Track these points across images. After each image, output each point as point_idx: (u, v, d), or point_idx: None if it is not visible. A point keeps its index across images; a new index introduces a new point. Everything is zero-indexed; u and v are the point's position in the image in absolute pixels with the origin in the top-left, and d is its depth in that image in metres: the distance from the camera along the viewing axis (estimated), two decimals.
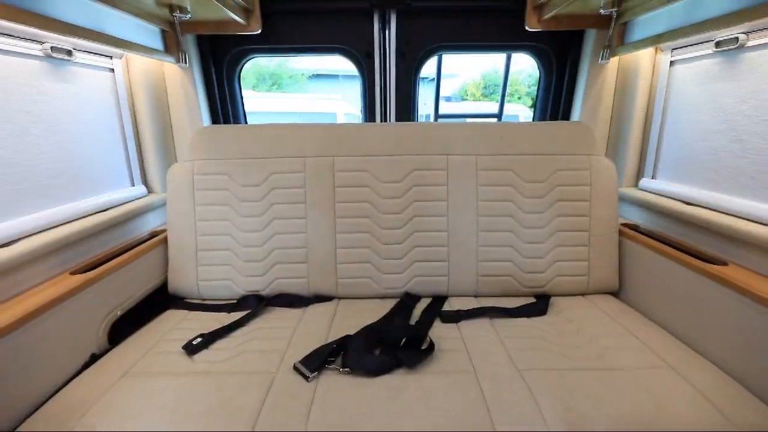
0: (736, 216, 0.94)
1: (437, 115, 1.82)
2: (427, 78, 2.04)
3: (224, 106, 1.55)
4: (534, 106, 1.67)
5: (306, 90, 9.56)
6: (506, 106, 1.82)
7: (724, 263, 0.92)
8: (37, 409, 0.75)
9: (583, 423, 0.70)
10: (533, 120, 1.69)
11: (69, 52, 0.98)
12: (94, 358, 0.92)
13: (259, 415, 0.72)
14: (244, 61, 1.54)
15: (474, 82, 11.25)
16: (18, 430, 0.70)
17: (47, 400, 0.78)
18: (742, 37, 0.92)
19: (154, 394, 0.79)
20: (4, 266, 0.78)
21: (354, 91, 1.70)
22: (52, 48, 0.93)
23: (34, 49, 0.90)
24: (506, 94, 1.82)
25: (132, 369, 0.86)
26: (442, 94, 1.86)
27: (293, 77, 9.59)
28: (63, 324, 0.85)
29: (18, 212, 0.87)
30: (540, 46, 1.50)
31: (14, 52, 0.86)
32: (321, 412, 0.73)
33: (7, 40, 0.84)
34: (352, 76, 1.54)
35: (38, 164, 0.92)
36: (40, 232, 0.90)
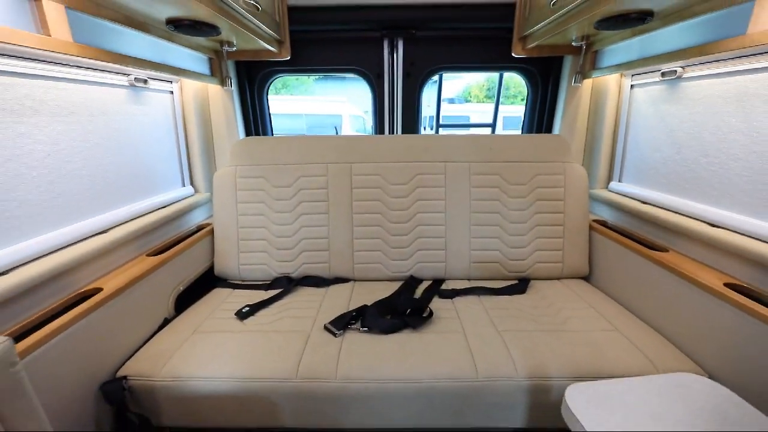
0: (677, 213, 1.17)
1: (438, 125, 2.06)
2: (430, 80, 2.27)
3: (255, 119, 1.80)
4: (523, 119, 1.91)
5: (313, 92, 9.84)
6: (509, 107, 2.06)
7: (665, 250, 1.16)
8: (130, 357, 1.01)
9: (541, 366, 0.94)
10: (522, 130, 1.93)
11: (145, 81, 1.24)
12: (166, 322, 1.17)
13: (301, 357, 0.97)
14: (272, 80, 1.80)
15: (477, 84, 11.46)
16: (119, 373, 0.95)
17: (136, 351, 1.03)
18: (679, 69, 1.15)
19: (218, 346, 1.04)
20: (103, 249, 1.03)
21: (359, 93, 1.92)
22: (135, 78, 1.19)
23: (123, 80, 1.16)
24: (499, 105, 2.06)
25: (198, 329, 1.12)
26: (446, 95, 2.09)
27: (300, 79, 9.86)
28: (146, 292, 1.10)
29: (108, 208, 1.13)
30: (527, 67, 1.74)
31: (110, 83, 1.12)
32: (347, 356, 0.98)
33: (105, 74, 1.10)
34: (357, 79, 1.77)
35: (122, 169, 1.18)
36: (123, 223, 1.16)
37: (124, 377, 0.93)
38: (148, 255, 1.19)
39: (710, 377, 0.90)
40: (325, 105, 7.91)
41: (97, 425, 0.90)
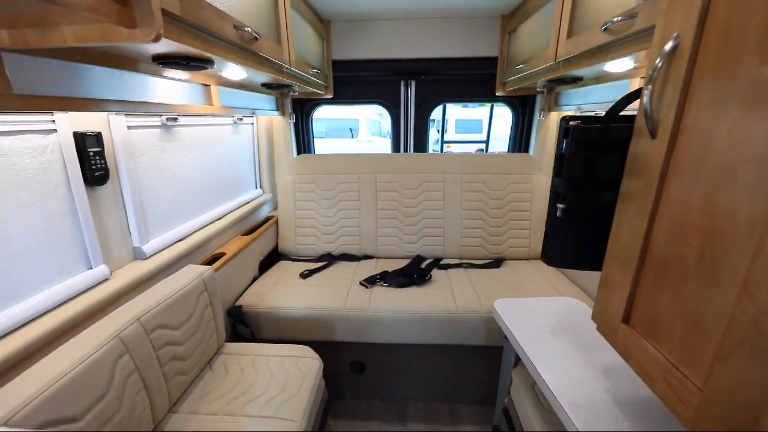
0: None
1: (443, 143, 2.61)
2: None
3: (303, 138, 2.41)
4: (510, 136, 2.44)
5: None
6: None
7: None
8: (240, 295, 1.61)
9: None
10: (508, 145, 2.46)
11: (241, 119, 1.85)
12: (254, 279, 1.77)
13: (347, 297, 1.55)
14: (315, 109, 2.39)
15: None
16: (237, 303, 1.55)
17: (243, 292, 1.63)
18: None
19: (293, 291, 1.63)
20: (221, 229, 1.63)
21: None
22: (237, 119, 1.80)
23: (230, 120, 1.77)
24: (491, 130, 2.59)
25: (278, 282, 1.71)
26: None
27: None
28: (245, 257, 1.70)
29: (222, 203, 1.73)
30: (511, 99, 2.27)
31: (225, 124, 1.73)
32: (375, 299, 1.55)
33: (225, 119, 1.71)
34: None
35: (227, 178, 1.78)
36: (228, 213, 1.76)
37: (240, 306, 1.53)
38: (242, 234, 1.80)
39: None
40: (345, 110, 8.53)
41: (226, 333, 1.50)
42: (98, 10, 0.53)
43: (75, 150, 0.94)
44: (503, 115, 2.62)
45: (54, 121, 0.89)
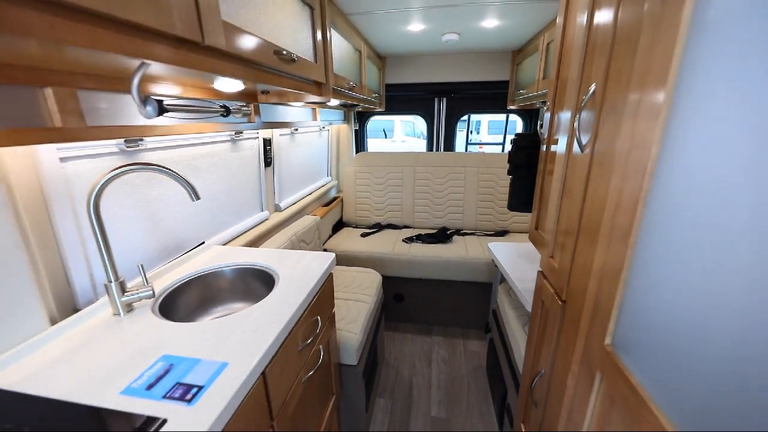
0: None
1: (467, 144, 3.32)
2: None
3: (360, 140, 3.22)
4: None
5: None
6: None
7: None
8: (325, 242, 2.44)
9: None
10: None
11: (324, 127, 2.69)
12: (329, 237, 2.61)
13: (393, 246, 2.34)
14: (370, 118, 3.20)
15: None
16: (324, 247, 2.38)
17: (326, 241, 2.47)
18: None
19: (357, 243, 2.44)
20: (311, 200, 2.47)
21: None
22: (323, 127, 2.64)
23: (317, 127, 2.61)
24: (507, 135, 3.27)
25: (346, 239, 2.53)
26: None
27: None
28: (326, 221, 2.54)
29: (312, 183, 2.57)
30: (519, 111, 2.94)
31: (318, 130, 2.58)
32: (413, 250, 2.32)
33: (316, 129, 2.55)
34: None
35: (314, 166, 2.62)
36: (311, 193, 2.60)
37: (325, 249, 2.36)
38: (322, 206, 2.63)
39: None
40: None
41: None
42: (312, 90, 1.34)
43: (262, 148, 1.78)
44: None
45: (258, 133, 1.73)
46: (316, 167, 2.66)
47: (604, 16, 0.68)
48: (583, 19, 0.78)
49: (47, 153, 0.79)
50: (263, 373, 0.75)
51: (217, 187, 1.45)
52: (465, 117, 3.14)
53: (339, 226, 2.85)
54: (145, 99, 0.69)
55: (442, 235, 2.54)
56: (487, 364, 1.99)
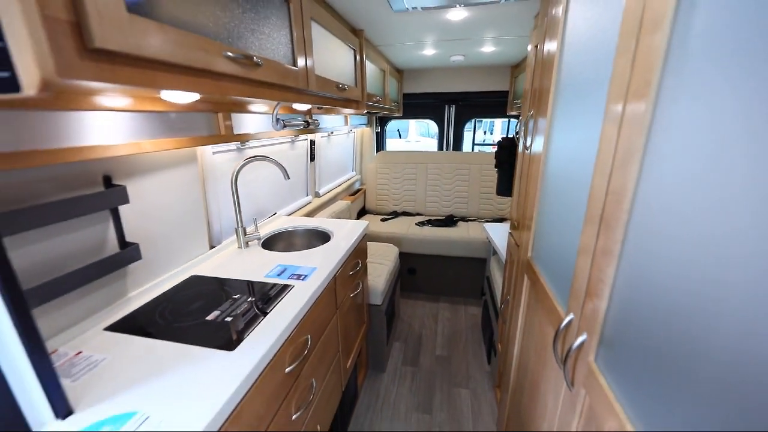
0: None
1: (473, 145, 3.81)
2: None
3: (380, 141, 3.76)
4: None
5: None
6: None
7: None
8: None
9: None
10: None
11: (351, 130, 3.23)
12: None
13: (409, 228, 2.86)
14: (389, 122, 3.73)
15: None
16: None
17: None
18: None
19: (379, 225, 2.97)
20: (341, 190, 3.01)
21: None
22: (350, 130, 3.18)
23: (346, 130, 3.16)
24: (508, 134, 3.73)
25: (370, 222, 3.06)
26: None
27: None
28: (351, 208, 3.08)
29: (340, 177, 3.12)
30: (518, 116, 3.41)
31: (346, 133, 3.12)
32: (425, 232, 2.84)
33: (345, 131, 3.09)
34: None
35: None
36: (340, 184, 3.15)
37: None
38: (349, 195, 3.18)
39: None
40: None
41: None
42: (353, 106, 1.88)
43: (309, 147, 2.33)
44: None
45: (307, 136, 2.29)
46: (344, 163, 3.20)
47: (547, 47, 1.19)
48: (535, 49, 1.29)
49: (207, 148, 1.35)
50: (335, 276, 1.29)
51: (281, 175, 2.01)
52: (471, 120, 3.63)
53: (362, 213, 3.39)
54: (277, 120, 1.24)
55: (449, 221, 3.04)
56: (482, 318, 2.49)
